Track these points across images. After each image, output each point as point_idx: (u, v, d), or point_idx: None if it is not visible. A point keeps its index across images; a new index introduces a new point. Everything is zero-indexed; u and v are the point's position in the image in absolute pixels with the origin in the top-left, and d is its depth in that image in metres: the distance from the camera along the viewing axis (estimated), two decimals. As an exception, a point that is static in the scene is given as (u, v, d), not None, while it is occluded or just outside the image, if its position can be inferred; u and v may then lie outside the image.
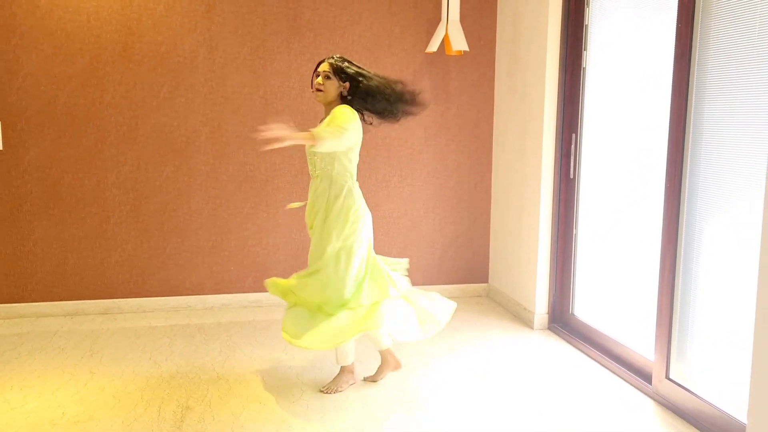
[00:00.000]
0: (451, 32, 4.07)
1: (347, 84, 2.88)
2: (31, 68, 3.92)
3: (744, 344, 2.47)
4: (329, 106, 2.92)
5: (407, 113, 3.00)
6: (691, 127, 2.72)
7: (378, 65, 4.32)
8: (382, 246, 4.49)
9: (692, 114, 2.72)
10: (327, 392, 3.00)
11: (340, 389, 3.02)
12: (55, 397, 2.93)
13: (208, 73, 4.13)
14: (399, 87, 2.96)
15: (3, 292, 4.06)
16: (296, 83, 4.23)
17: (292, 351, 3.53)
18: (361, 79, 2.88)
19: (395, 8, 4.31)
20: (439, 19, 4.30)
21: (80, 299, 4.15)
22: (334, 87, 2.87)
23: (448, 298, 4.54)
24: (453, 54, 4.20)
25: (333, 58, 2.91)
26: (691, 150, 2.73)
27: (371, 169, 4.40)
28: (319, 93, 2.89)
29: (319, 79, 2.89)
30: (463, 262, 4.65)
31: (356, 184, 2.98)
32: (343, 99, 2.91)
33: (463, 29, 4.15)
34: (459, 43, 4.07)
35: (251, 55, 4.17)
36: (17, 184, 4.00)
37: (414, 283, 4.55)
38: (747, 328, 2.42)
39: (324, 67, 2.89)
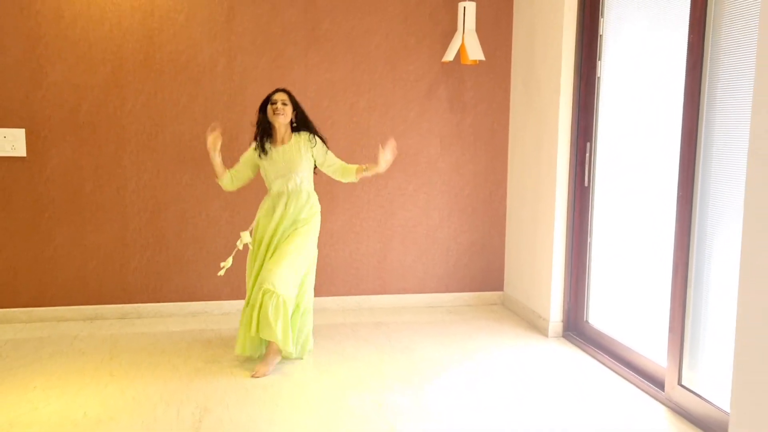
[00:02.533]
0: (467, 42, 4.18)
1: (295, 112, 3.56)
2: (55, 77, 4.10)
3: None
4: (284, 128, 3.54)
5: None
6: (703, 136, 2.81)
7: (394, 74, 4.45)
8: (398, 254, 4.60)
9: (704, 124, 2.81)
10: (256, 376, 3.34)
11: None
12: (77, 399, 3.06)
13: (228, 82, 4.28)
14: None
15: (25, 296, 4.22)
16: (313, 93, 4.37)
17: (306, 355, 3.64)
18: (301, 107, 3.60)
19: (411, 19, 4.44)
20: (454, 30, 4.42)
21: (100, 304, 4.30)
22: (290, 112, 3.52)
23: (463, 305, 4.68)
24: (469, 63, 4.32)
25: (284, 89, 3.57)
26: (703, 159, 2.82)
27: (387, 178, 4.51)
28: (281, 116, 3.48)
29: (279, 105, 3.49)
30: (478, 270, 4.75)
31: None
32: (290, 124, 3.56)
33: (479, 39, 4.27)
34: (475, 52, 4.19)
35: (270, 65, 4.32)
36: (40, 191, 4.16)
37: (429, 291, 4.68)
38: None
39: (282, 96, 3.52)
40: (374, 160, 3.59)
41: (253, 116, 4.30)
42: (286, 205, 3.49)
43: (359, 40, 4.40)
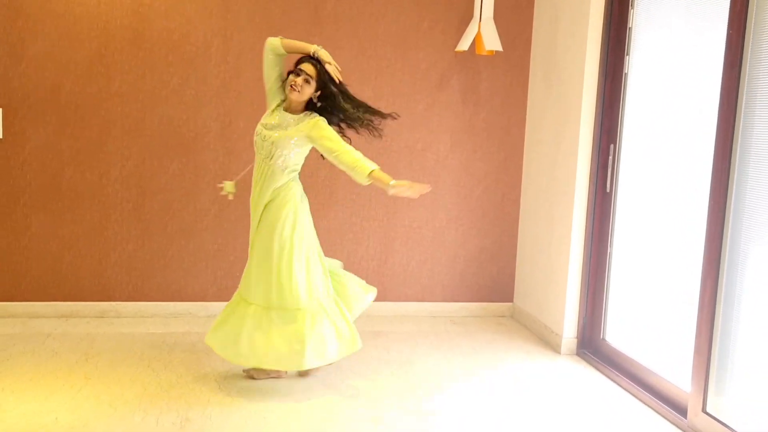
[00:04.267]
0: (484, 30, 4.15)
1: (319, 93, 3.22)
2: (36, 52, 4.07)
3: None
4: (295, 105, 3.24)
5: (370, 122, 3.34)
6: (739, 142, 2.78)
7: (404, 62, 4.42)
8: (400, 257, 4.57)
9: (741, 128, 2.77)
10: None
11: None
12: (48, 402, 3.03)
13: (222, 64, 4.25)
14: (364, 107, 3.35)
15: (-5, 289, 4.21)
16: (315, 79, 4.34)
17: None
18: (339, 95, 3.23)
19: (424, 2, 4.41)
20: (471, 16, 4.39)
21: (76, 300, 4.28)
22: (308, 93, 3.20)
23: (469, 317, 4.65)
24: (485, 54, 4.29)
25: (316, 60, 3.21)
26: (738, 166, 2.79)
27: (393, 174, 4.45)
28: (295, 93, 3.17)
29: (299, 80, 3.16)
30: (486, 278, 4.72)
31: None
32: (310, 103, 3.24)
33: (497, 28, 4.24)
34: (492, 42, 4.16)
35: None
36: (16, 175, 4.14)
37: (433, 299, 4.65)
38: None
39: (309, 69, 3.18)
40: (393, 172, 3.31)
41: (248, 100, 4.29)
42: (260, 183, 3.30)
43: (366, 22, 4.37)
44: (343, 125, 3.34)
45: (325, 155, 3.25)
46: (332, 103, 3.25)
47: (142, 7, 4.14)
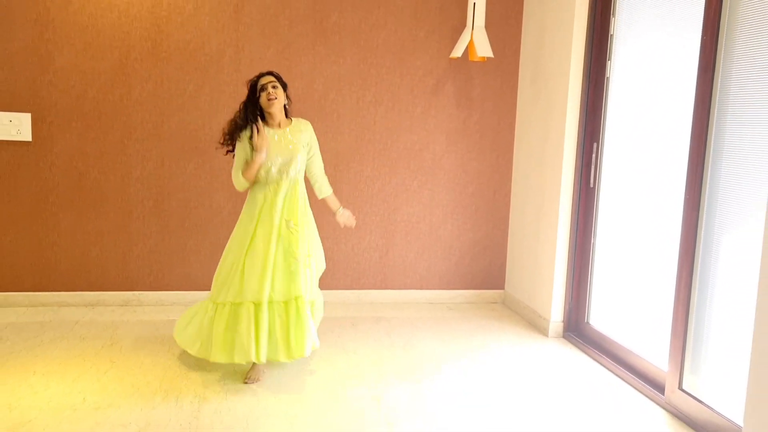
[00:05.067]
0: (476, 38, 4.15)
1: (285, 93, 3.26)
2: (62, 63, 4.07)
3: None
4: (278, 114, 3.23)
5: None
6: (713, 140, 2.78)
7: (402, 69, 4.42)
8: (400, 249, 4.58)
9: (714, 127, 2.77)
10: (249, 381, 3.15)
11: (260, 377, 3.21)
12: (77, 384, 3.05)
13: (234, 73, 4.25)
14: None
15: (27, 281, 4.21)
16: (320, 86, 4.34)
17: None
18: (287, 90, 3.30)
19: (421, 13, 4.40)
20: (464, 25, 4.38)
21: (101, 290, 4.29)
22: (282, 95, 3.22)
23: (464, 303, 4.66)
24: (477, 60, 4.28)
25: (270, 72, 3.26)
26: (712, 163, 2.78)
27: (391, 173, 4.49)
28: (274, 101, 3.18)
29: (270, 89, 3.17)
30: (479, 268, 4.72)
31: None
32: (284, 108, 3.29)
33: (489, 36, 4.23)
34: (484, 49, 4.15)
35: (277, 56, 4.29)
36: (44, 176, 4.15)
37: (431, 287, 4.66)
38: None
39: (269, 78, 3.21)
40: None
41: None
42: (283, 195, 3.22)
43: (367, 33, 4.36)
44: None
45: (307, 157, 3.35)
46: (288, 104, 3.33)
47: (160, 20, 4.14)
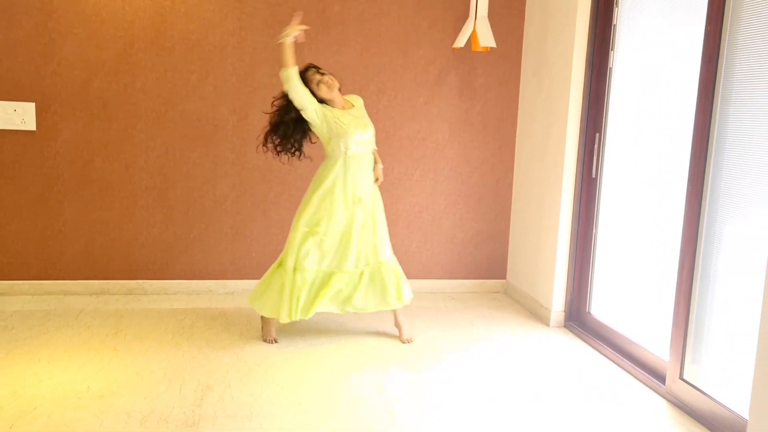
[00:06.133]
0: (479, 28, 4.10)
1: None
2: (66, 52, 4.04)
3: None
4: (338, 98, 3.43)
5: None
6: (716, 130, 2.74)
7: (405, 59, 4.37)
8: (403, 239, 4.55)
9: (717, 117, 2.73)
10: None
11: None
12: (81, 372, 3.04)
13: (237, 62, 4.21)
14: None
15: (32, 269, 4.20)
16: (323, 75, 4.29)
17: (309, 337, 3.61)
18: None
19: (424, 3, 4.35)
20: (467, 15, 4.33)
21: (106, 279, 4.28)
22: (334, 79, 3.41)
23: (466, 293, 4.64)
24: (480, 50, 4.23)
25: (309, 66, 3.41)
26: (715, 153, 2.75)
27: (394, 163, 4.45)
28: (334, 90, 3.38)
29: (326, 78, 3.36)
30: (482, 258, 4.70)
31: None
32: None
33: (492, 26, 4.18)
34: (486, 39, 4.11)
35: (280, 46, 4.23)
36: (49, 165, 4.12)
37: (433, 277, 4.63)
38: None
39: (315, 71, 3.38)
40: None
41: (261, 95, 4.25)
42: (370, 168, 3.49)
43: (370, 23, 4.32)
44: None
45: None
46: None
47: (164, 9, 4.10)
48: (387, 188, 4.49)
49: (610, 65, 3.65)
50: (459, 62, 4.44)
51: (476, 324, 3.98)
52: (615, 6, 3.58)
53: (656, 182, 3.27)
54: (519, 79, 4.53)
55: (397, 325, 3.63)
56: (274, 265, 3.48)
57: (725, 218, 2.71)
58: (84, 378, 2.98)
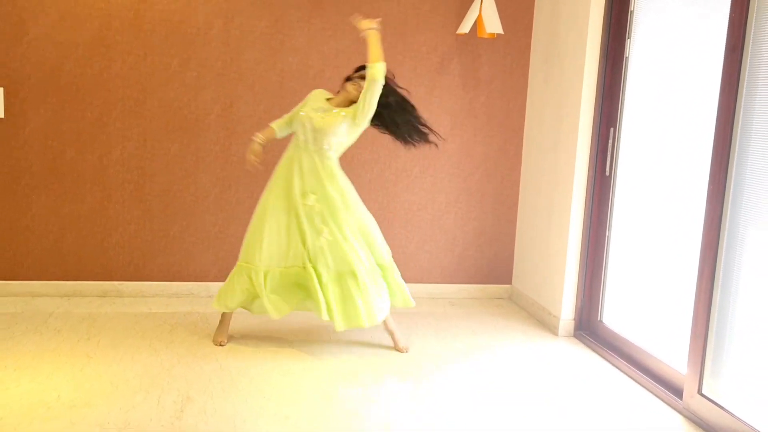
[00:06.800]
0: (485, 13, 4.11)
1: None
2: (37, 33, 4.02)
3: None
4: (347, 101, 3.54)
5: None
6: (740, 126, 2.75)
7: (404, 45, 4.37)
8: (400, 239, 4.55)
9: (741, 112, 2.74)
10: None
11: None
12: (50, 380, 3.03)
13: (222, 46, 4.20)
14: None
15: (-3, 268, 4.19)
16: (316, 62, 4.29)
17: (297, 344, 3.61)
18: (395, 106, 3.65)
19: (425, -15, 4.35)
20: (472, -1, 4.34)
21: (78, 280, 4.27)
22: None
23: (468, 298, 4.64)
24: (485, 37, 4.24)
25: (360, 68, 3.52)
26: (738, 151, 2.76)
27: (391, 158, 4.46)
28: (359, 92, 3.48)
29: (361, 81, 3.46)
30: (485, 261, 4.71)
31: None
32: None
33: (498, 10, 4.19)
34: (493, 25, 4.11)
35: (269, 29, 4.24)
36: (17, 156, 4.11)
37: (432, 281, 4.64)
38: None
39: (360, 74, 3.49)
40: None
41: (249, 83, 4.25)
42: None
43: (367, 5, 4.31)
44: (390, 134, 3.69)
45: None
46: (391, 113, 3.58)
47: (143, -13, 4.09)
48: (383, 185, 4.50)
49: (626, 54, 3.66)
50: (463, 49, 4.45)
51: (478, 332, 3.98)
52: (632, -9, 3.59)
53: (674, 181, 3.28)
54: (527, 69, 4.54)
55: (389, 330, 3.64)
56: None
57: (749, 221, 2.72)
58: (54, 387, 2.96)
